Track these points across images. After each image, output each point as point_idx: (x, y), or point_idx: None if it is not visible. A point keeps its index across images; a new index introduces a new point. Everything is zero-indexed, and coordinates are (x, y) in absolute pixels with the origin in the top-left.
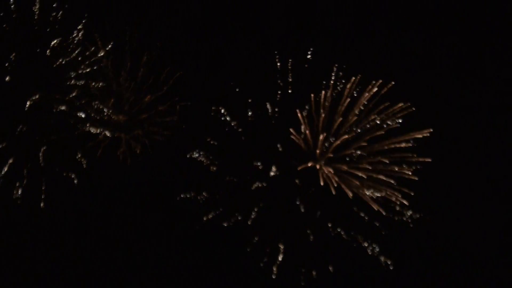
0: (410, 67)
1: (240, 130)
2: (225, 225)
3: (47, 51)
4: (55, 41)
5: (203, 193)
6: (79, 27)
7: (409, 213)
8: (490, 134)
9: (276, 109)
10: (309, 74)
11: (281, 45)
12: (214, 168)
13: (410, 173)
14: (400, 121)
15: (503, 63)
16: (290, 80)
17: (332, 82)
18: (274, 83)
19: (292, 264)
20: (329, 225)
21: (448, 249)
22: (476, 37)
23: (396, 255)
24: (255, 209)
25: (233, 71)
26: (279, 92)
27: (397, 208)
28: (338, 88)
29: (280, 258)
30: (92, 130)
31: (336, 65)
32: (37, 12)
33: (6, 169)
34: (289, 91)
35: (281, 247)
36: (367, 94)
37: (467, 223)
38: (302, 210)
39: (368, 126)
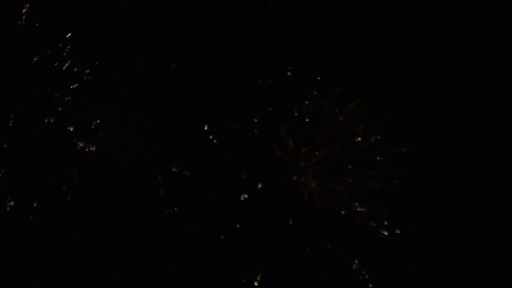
0: (396, 78)
1: (224, 143)
2: (211, 239)
3: (31, 64)
4: (36, 58)
5: (188, 207)
6: (60, 44)
7: (391, 229)
8: (475, 146)
9: (256, 127)
10: (291, 86)
11: (264, 58)
12: (199, 182)
13: (397, 187)
14: (379, 137)
15: (488, 74)
16: (273, 92)
17: (315, 93)
18: (257, 96)
19: (275, 279)
20: (311, 240)
21: (431, 264)
22: (460, 48)
23: (378, 270)
24: (237, 226)
25: (217, 86)
26: (263, 105)
27: (382, 223)
28: (322, 103)
29: (258, 278)
30: (80, 143)
31: (319, 78)
32: (23, 25)
33: None
34: (270, 109)
35: (262, 265)
36: (350, 105)
37: (451, 238)
38: (290, 223)
39: (349, 140)
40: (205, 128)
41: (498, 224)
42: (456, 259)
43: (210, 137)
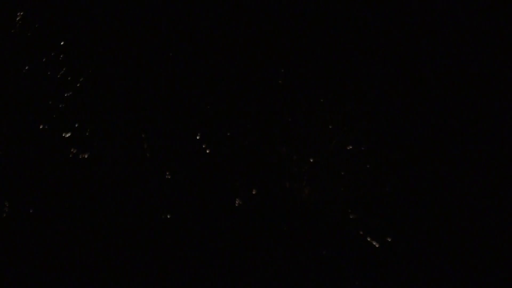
0: (389, 84)
1: (218, 149)
2: (205, 248)
3: (25, 72)
4: (29, 66)
5: (184, 214)
6: (53, 53)
7: (383, 236)
8: (469, 153)
9: (248, 133)
10: (284, 92)
11: (256, 64)
12: (193, 187)
13: (390, 194)
14: (371, 144)
15: (485, 77)
16: (265, 99)
17: (308, 99)
18: (249, 102)
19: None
20: (305, 246)
21: (425, 271)
22: (457, 51)
23: (372, 277)
24: (231, 233)
25: (209, 94)
26: (255, 111)
27: (375, 230)
28: (315, 109)
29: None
30: (73, 149)
31: (311, 84)
32: (17, 33)
33: None
34: (262, 115)
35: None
36: (342, 111)
37: (445, 245)
38: (285, 228)
39: (342, 146)
40: (197, 138)
41: (495, 232)
42: (450, 266)
43: (203, 146)
